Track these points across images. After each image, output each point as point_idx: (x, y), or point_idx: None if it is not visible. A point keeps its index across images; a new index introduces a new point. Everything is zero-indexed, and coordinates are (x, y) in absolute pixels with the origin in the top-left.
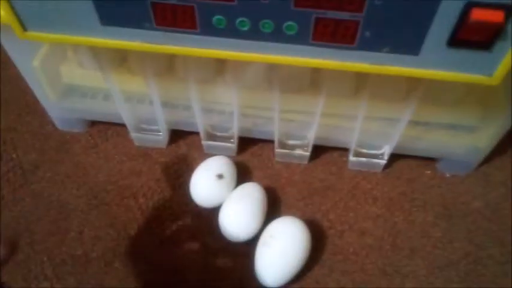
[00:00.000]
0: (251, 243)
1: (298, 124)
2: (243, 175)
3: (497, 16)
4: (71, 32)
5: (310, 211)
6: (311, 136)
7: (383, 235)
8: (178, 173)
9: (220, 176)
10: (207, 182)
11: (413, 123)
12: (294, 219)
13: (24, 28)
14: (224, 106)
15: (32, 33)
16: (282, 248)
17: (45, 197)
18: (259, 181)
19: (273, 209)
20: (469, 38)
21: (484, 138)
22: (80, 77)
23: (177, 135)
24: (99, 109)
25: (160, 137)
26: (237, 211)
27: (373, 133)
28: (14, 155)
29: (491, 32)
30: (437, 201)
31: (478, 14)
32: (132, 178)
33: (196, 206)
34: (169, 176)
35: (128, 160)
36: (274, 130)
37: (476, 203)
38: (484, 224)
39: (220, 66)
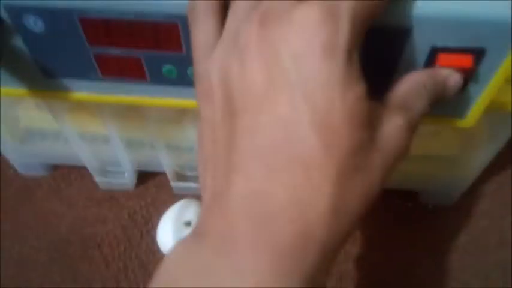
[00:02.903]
0: None
1: None
2: None
3: (466, 61)
4: (13, 86)
5: None
6: None
7: (364, 277)
8: (146, 218)
9: (188, 224)
10: (174, 231)
11: None
12: None
13: None
14: (192, 144)
15: None
16: None
17: (3, 251)
18: None
19: None
20: None
21: (465, 169)
22: (39, 119)
23: (145, 175)
24: (60, 153)
25: (127, 180)
26: None
27: None
28: None
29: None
30: (420, 236)
31: (445, 60)
32: (97, 226)
33: (164, 255)
34: (136, 222)
35: (93, 205)
36: None
37: (460, 236)
38: (468, 261)
39: None
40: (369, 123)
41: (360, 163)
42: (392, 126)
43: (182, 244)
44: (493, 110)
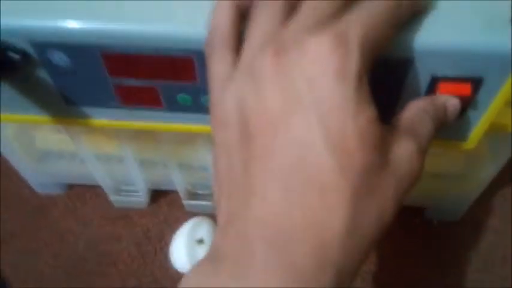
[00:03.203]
0: None
1: None
2: None
3: (465, 89)
4: (36, 113)
5: None
6: None
7: None
8: (160, 236)
9: (200, 241)
10: (187, 248)
11: None
12: None
13: None
14: (204, 163)
15: (1, 116)
16: None
17: (21, 268)
18: None
19: None
20: None
21: (470, 186)
22: (56, 141)
23: (158, 194)
24: (76, 172)
25: (140, 198)
26: None
27: None
28: None
29: (461, 104)
30: (427, 253)
31: (445, 88)
32: (112, 243)
33: (177, 271)
34: (150, 239)
35: (108, 224)
36: None
37: (466, 252)
38: (473, 275)
39: None
40: (381, 146)
41: (374, 185)
42: (404, 150)
43: (198, 268)
44: (494, 131)
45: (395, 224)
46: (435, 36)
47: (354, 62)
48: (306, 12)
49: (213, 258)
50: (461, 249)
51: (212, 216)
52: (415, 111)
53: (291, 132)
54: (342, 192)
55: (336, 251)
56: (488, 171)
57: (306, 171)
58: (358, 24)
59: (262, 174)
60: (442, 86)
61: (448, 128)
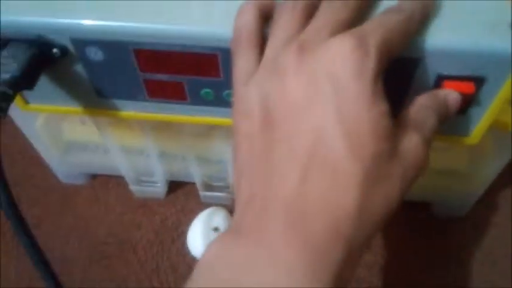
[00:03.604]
0: None
1: None
2: None
3: (468, 87)
4: (68, 104)
5: None
6: None
7: (377, 284)
8: (176, 224)
9: (215, 229)
10: (203, 235)
11: None
12: None
13: (26, 101)
14: (220, 156)
15: (33, 106)
16: None
17: (47, 251)
18: None
19: None
20: None
21: (474, 183)
22: (81, 133)
23: (175, 185)
24: (100, 163)
25: (159, 189)
26: None
27: None
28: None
29: (464, 101)
30: (432, 246)
31: (450, 86)
32: (132, 230)
33: (193, 258)
34: (167, 227)
35: (128, 212)
36: None
37: (470, 247)
38: (477, 270)
39: None
40: (391, 137)
41: (383, 172)
42: (410, 142)
43: (220, 241)
44: (497, 128)
45: (402, 218)
46: (441, 38)
47: (371, 62)
48: (325, 16)
49: (235, 231)
50: (466, 243)
51: (227, 207)
52: (419, 106)
53: (311, 119)
54: (354, 175)
55: (347, 228)
56: (492, 168)
57: (323, 155)
58: (376, 31)
59: (282, 157)
60: (447, 84)
61: (453, 124)
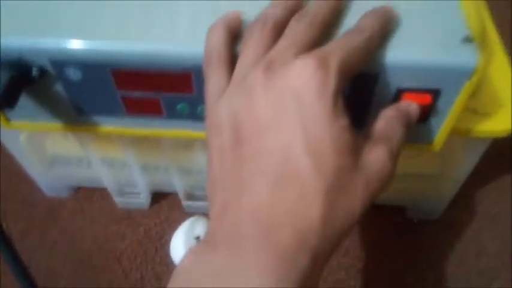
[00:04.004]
0: None
1: None
2: None
3: (425, 99)
4: (49, 121)
5: None
6: None
7: (355, 285)
8: (160, 234)
9: (197, 238)
10: (185, 245)
11: None
12: None
13: (8, 119)
14: (201, 167)
15: (15, 124)
16: None
17: (33, 264)
18: None
19: None
20: None
21: (445, 186)
22: (64, 146)
23: (158, 195)
24: (83, 176)
25: (142, 200)
26: None
27: None
28: (4, 225)
29: (423, 112)
30: (407, 249)
31: (409, 98)
32: (117, 241)
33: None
34: (151, 238)
35: (112, 223)
36: None
37: (443, 249)
38: (451, 269)
39: None
40: (353, 151)
41: (345, 185)
42: (375, 155)
43: (194, 250)
44: (459, 134)
45: (378, 222)
46: (399, 54)
47: (332, 82)
48: (291, 36)
49: (209, 240)
50: (440, 245)
51: (208, 216)
52: (386, 119)
53: (278, 137)
54: (319, 191)
55: (313, 239)
56: (462, 172)
57: (289, 172)
58: (337, 52)
59: (252, 172)
60: (406, 96)
61: (416, 133)
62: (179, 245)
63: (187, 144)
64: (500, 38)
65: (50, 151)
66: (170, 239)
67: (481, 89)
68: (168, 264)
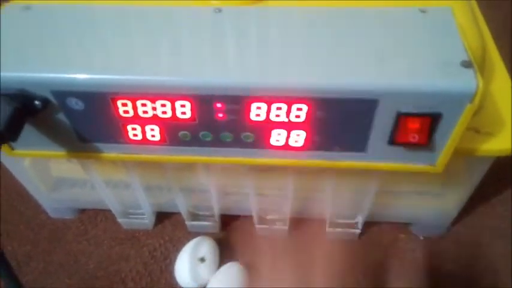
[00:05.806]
0: None
1: (274, 200)
2: (226, 251)
3: (426, 123)
4: (52, 149)
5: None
6: (287, 210)
7: None
8: (165, 255)
9: (202, 260)
10: (190, 266)
11: (382, 192)
12: None
13: (12, 148)
14: (204, 186)
15: (19, 152)
16: None
17: (39, 287)
18: (241, 256)
19: (255, 284)
20: (405, 140)
21: (449, 203)
22: (68, 170)
23: (162, 215)
24: (87, 198)
25: (146, 220)
26: None
27: (344, 204)
28: (9, 248)
29: (423, 135)
30: (412, 265)
31: (409, 123)
32: (121, 263)
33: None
34: (156, 258)
35: (117, 244)
36: (252, 208)
37: (449, 265)
38: (458, 287)
39: None
40: None
41: None
42: None
43: None
44: (462, 155)
45: (384, 239)
46: (398, 79)
47: None
48: None
49: None
50: (446, 261)
51: (213, 235)
52: None
53: None
54: None
55: None
56: (465, 189)
57: None
58: None
59: None
60: (406, 121)
61: (419, 155)
62: (183, 267)
63: (190, 165)
64: (500, 41)
65: (54, 174)
66: (175, 259)
67: (482, 108)
68: (173, 285)
